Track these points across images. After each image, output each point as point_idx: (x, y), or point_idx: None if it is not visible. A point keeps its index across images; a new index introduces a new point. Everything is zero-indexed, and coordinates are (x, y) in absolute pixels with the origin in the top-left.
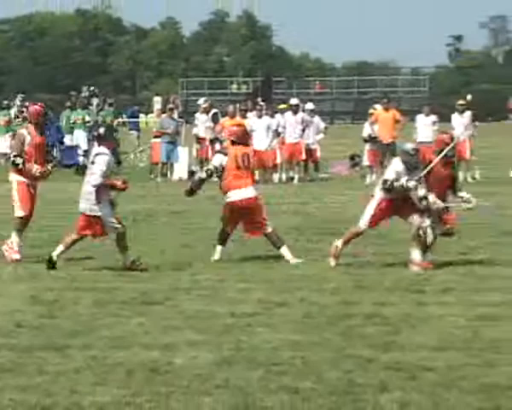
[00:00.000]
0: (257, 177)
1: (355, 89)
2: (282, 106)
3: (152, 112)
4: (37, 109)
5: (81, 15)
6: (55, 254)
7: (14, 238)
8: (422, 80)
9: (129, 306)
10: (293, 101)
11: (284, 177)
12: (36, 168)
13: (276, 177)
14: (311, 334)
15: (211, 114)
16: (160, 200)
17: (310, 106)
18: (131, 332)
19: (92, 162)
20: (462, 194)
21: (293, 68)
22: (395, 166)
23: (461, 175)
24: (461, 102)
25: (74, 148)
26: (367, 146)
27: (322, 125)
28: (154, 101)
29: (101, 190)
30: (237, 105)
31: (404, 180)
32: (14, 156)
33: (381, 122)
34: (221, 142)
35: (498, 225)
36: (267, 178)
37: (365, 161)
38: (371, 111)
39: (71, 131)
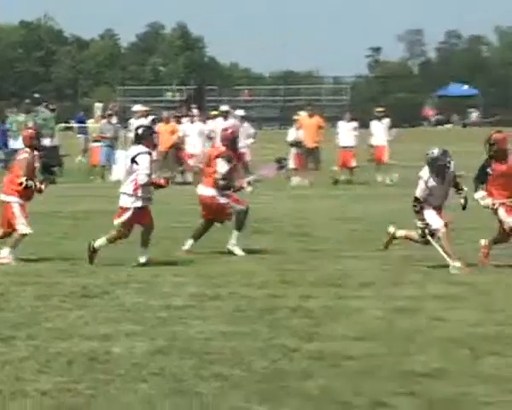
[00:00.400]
0: (191, 179)
1: (281, 97)
2: (214, 112)
3: (92, 117)
4: (30, 132)
5: (25, 27)
6: (97, 245)
7: (6, 253)
8: (344, 89)
9: (70, 299)
10: (224, 108)
11: None
12: (39, 186)
13: None
14: (240, 325)
15: (149, 119)
16: (100, 200)
17: (240, 113)
18: (72, 324)
19: (134, 161)
20: None
21: (223, 78)
22: (423, 177)
23: (379, 178)
24: (379, 109)
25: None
26: (292, 150)
27: (252, 130)
28: (96, 107)
29: (144, 187)
30: (172, 112)
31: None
32: (26, 180)
33: (305, 128)
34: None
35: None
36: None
37: (291, 165)
38: (296, 117)
39: (16, 136)
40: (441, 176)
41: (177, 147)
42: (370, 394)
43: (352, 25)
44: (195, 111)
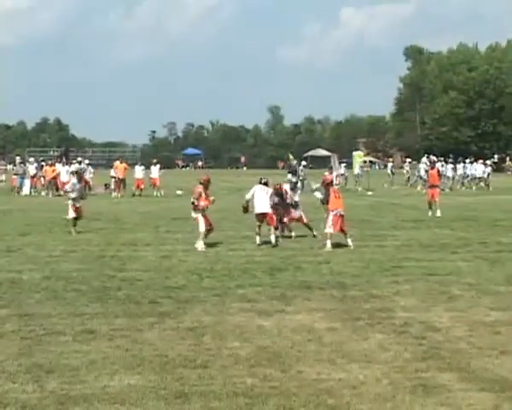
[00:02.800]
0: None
1: (107, 153)
2: (74, 161)
3: None
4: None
5: None
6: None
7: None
8: (137, 150)
9: None
10: (79, 159)
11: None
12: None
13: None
14: (86, 265)
15: (39, 164)
16: None
17: (86, 161)
18: None
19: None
20: None
21: (78, 144)
22: None
23: (155, 193)
24: (154, 160)
25: None
26: (112, 179)
27: (92, 170)
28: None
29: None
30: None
31: None
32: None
33: (118, 168)
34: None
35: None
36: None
37: (112, 186)
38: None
39: None
40: None
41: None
42: (150, 297)
43: (140, 117)
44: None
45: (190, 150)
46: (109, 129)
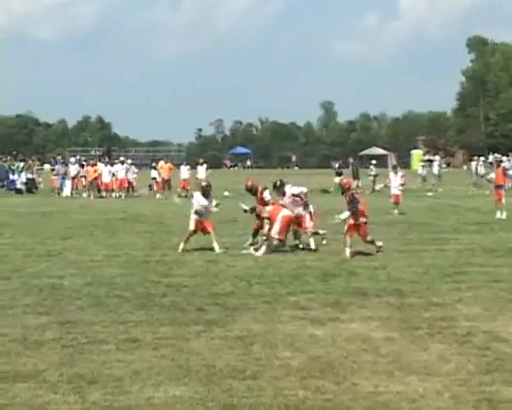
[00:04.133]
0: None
1: (151, 153)
2: (116, 161)
3: None
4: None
5: None
6: (216, 248)
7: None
8: (183, 149)
9: None
10: (121, 158)
11: (117, 195)
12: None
13: (113, 195)
14: (129, 270)
15: (80, 164)
16: None
17: (129, 161)
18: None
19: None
20: None
21: (121, 143)
22: None
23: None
24: (201, 160)
25: None
26: (154, 181)
27: (135, 170)
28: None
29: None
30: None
31: None
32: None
33: (163, 168)
34: (85, 177)
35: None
36: (109, 196)
37: (155, 188)
38: (155, 164)
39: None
40: None
41: (97, 178)
42: (196, 304)
43: (186, 115)
44: (107, 160)
45: (238, 149)
46: (153, 127)
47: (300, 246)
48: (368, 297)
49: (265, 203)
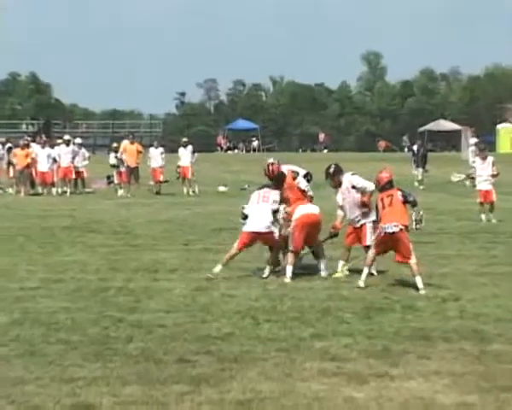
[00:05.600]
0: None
1: (110, 128)
2: (59, 141)
3: None
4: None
5: None
6: (216, 271)
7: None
8: (157, 123)
9: None
10: (66, 137)
11: (60, 190)
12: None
13: (54, 190)
14: (78, 302)
15: (7, 146)
16: None
17: (78, 141)
18: None
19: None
20: None
21: (66, 114)
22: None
23: (184, 190)
24: (184, 139)
25: None
26: (115, 169)
27: (87, 154)
28: None
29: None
30: (25, 139)
31: None
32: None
33: (128, 152)
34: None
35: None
36: (48, 191)
37: (116, 180)
38: (115, 145)
39: None
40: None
41: (29, 166)
42: (177, 353)
43: (162, 74)
44: (45, 139)
45: (240, 123)
46: (113, 91)
47: (373, 272)
48: (432, 343)
49: (298, 197)
